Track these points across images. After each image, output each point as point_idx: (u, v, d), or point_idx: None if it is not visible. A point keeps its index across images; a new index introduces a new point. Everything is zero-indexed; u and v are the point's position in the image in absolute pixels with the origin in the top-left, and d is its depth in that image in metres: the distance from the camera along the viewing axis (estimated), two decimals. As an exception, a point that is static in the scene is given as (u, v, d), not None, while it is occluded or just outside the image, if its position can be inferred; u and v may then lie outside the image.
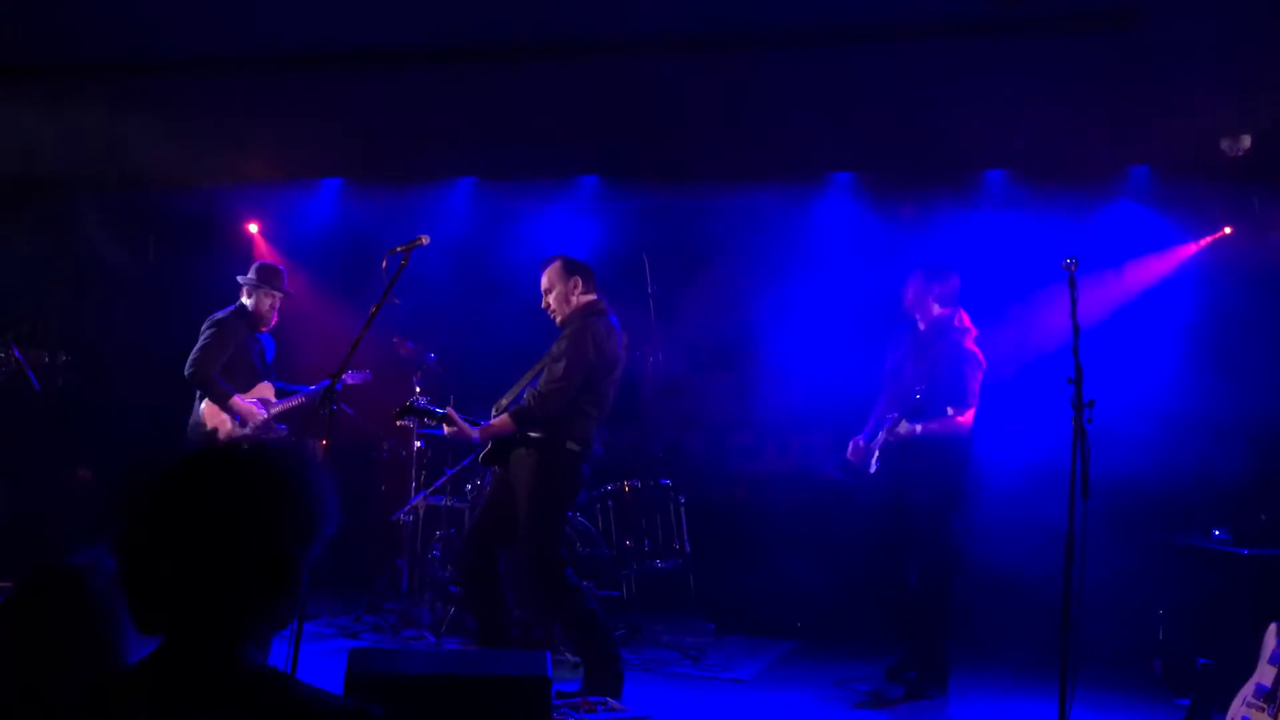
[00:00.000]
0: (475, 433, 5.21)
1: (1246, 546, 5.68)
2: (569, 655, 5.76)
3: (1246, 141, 6.21)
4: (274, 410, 6.36)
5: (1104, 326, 6.82)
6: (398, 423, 5.54)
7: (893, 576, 5.75)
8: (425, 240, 4.90)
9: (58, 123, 7.13)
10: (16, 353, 5.32)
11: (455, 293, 7.64)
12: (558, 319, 5.36)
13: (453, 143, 7.44)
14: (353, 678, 3.53)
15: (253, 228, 8.73)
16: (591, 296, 5.34)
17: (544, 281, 5.38)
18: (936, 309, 5.68)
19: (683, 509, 7.07)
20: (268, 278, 6.51)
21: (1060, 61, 5.46)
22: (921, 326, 5.75)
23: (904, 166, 7.41)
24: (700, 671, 6.15)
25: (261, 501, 1.61)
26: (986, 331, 5.94)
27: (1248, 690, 4.37)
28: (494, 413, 5.29)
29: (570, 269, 5.35)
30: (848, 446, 5.84)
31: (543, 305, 5.39)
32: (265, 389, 6.42)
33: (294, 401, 6.51)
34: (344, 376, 5.93)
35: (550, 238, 7.19)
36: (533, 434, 5.12)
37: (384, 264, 4.83)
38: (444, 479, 6.92)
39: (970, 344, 5.63)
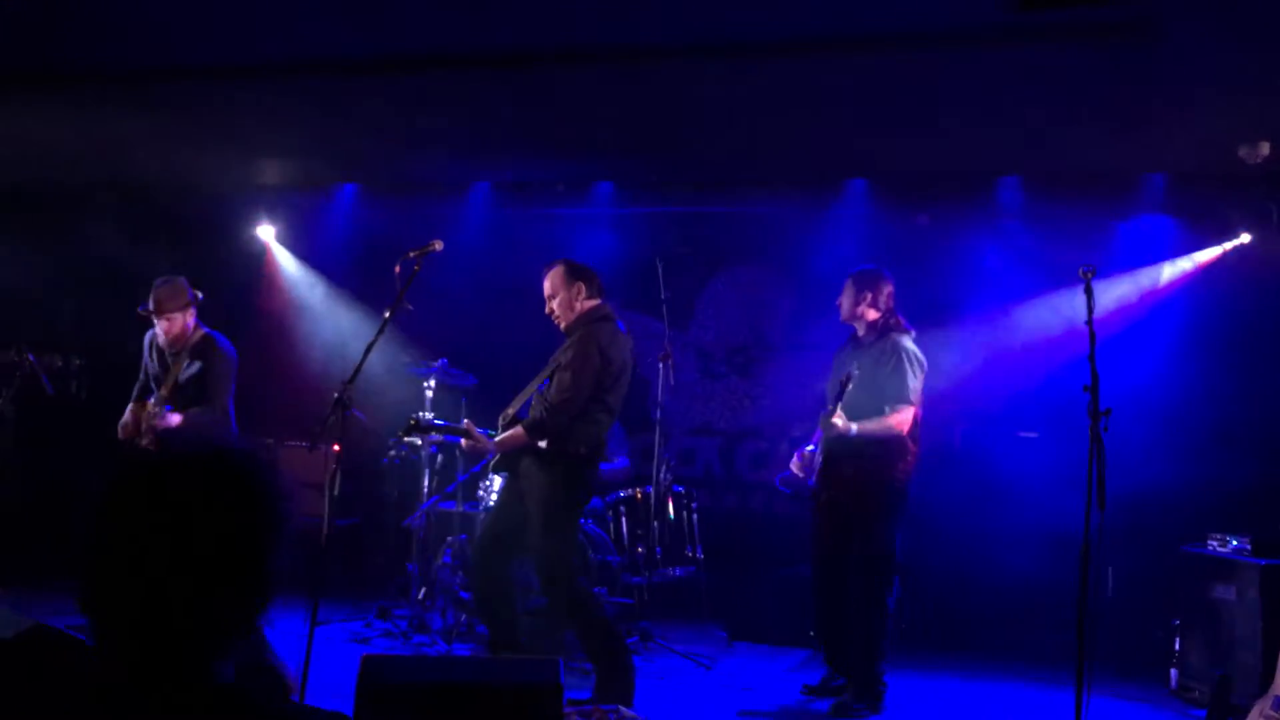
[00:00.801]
0: (491, 445, 5.19)
1: (1264, 556, 5.63)
2: (581, 662, 5.74)
3: (1265, 149, 6.17)
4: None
5: (1121, 334, 6.79)
6: (404, 439, 5.50)
7: (826, 586, 5.63)
8: (438, 246, 4.90)
9: (72, 129, 7.18)
10: (30, 356, 5.33)
11: (468, 298, 7.65)
12: (562, 325, 5.32)
13: (467, 149, 7.46)
14: (365, 684, 3.52)
15: (266, 233, 8.75)
16: (596, 302, 5.29)
17: (547, 287, 5.32)
18: (872, 314, 5.60)
19: (695, 516, 7.06)
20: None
21: (1077, 69, 5.44)
22: (860, 333, 5.69)
23: (919, 173, 7.40)
24: (713, 680, 6.13)
25: (226, 507, 1.58)
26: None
27: (1266, 702, 4.33)
28: (501, 422, 5.26)
29: (573, 274, 5.30)
30: (792, 459, 5.77)
31: (546, 311, 5.36)
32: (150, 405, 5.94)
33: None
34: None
35: (564, 243, 7.19)
36: (540, 444, 5.10)
37: (397, 269, 4.83)
38: (455, 484, 6.93)
39: (909, 344, 5.56)
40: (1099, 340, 4.30)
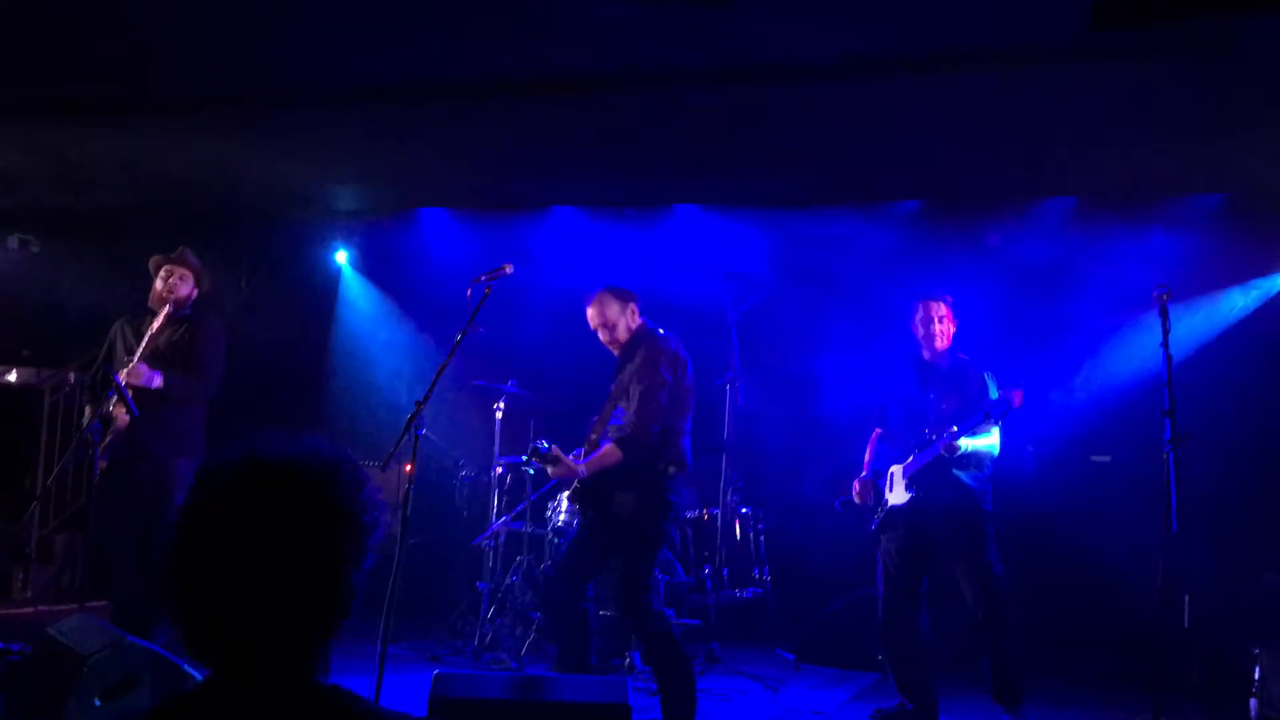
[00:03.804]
0: (580, 467, 5.18)
1: (1349, 586, 5.48)
2: (647, 682, 5.75)
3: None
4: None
5: (1194, 357, 6.67)
6: (526, 467, 5.44)
7: (902, 615, 5.50)
8: (509, 269, 4.96)
9: (153, 154, 7.39)
10: (116, 378, 5.47)
11: (538, 321, 7.73)
12: (618, 347, 5.36)
13: (540, 172, 7.56)
14: (436, 701, 3.58)
15: (341, 258, 8.95)
16: (641, 320, 5.38)
17: (595, 316, 5.33)
18: (946, 337, 5.59)
19: (763, 538, 7.05)
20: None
21: (1151, 89, 5.39)
22: (930, 356, 5.65)
23: (989, 193, 7.36)
24: (780, 703, 6.10)
25: (319, 514, 1.59)
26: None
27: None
28: (586, 449, 5.26)
29: (620, 296, 5.33)
30: (852, 487, 5.74)
31: (604, 340, 5.37)
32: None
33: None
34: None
35: (632, 267, 7.25)
36: (632, 462, 5.09)
37: (469, 293, 4.91)
38: (524, 505, 6.99)
39: (985, 367, 5.55)
40: (1181, 365, 4.23)
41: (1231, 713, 6.00)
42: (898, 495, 5.54)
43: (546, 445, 5.15)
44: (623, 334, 5.31)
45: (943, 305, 5.62)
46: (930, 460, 5.38)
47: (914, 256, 7.38)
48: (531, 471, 6.61)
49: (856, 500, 5.73)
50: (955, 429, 5.27)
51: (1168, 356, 4.26)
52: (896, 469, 5.60)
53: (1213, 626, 6.24)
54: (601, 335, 5.36)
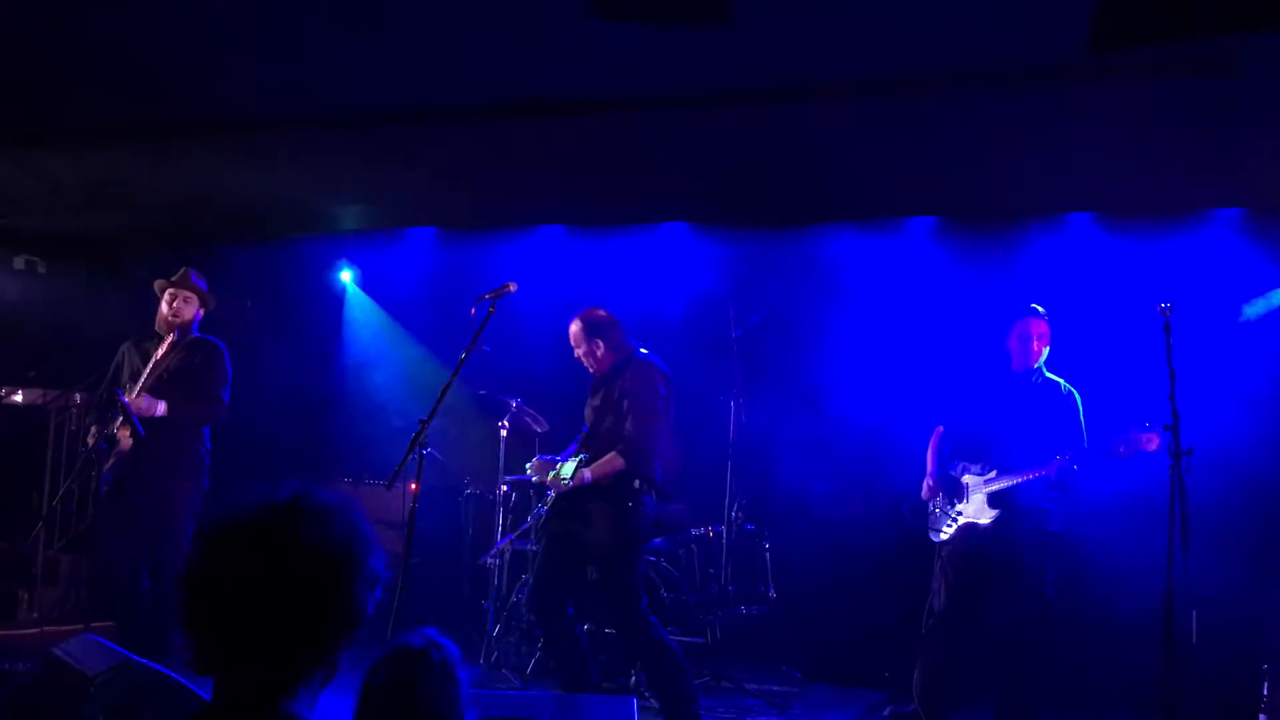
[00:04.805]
0: (587, 473, 5.24)
1: (1357, 600, 5.46)
2: (650, 699, 5.74)
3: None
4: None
5: (1205, 373, 6.63)
6: (548, 486, 5.48)
7: (953, 638, 5.43)
8: (513, 288, 4.99)
9: (154, 177, 7.43)
10: (122, 398, 5.49)
11: (541, 339, 7.73)
12: (602, 368, 5.43)
13: (540, 192, 7.59)
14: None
15: (345, 277, 8.98)
16: (623, 340, 5.46)
17: (576, 335, 5.45)
18: (1038, 355, 5.52)
19: (768, 555, 7.03)
20: None
21: (1152, 105, 5.40)
22: (1017, 368, 5.55)
23: (991, 211, 7.37)
24: (786, 721, 6.08)
25: (337, 550, 1.66)
26: (1073, 376, 5.83)
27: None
28: (579, 463, 5.33)
29: (600, 323, 5.45)
30: (923, 486, 5.68)
31: (588, 364, 5.47)
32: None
33: None
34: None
35: (636, 286, 7.27)
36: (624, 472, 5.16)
37: (472, 311, 4.92)
38: (528, 523, 6.99)
39: (1078, 392, 5.51)
40: (1184, 380, 4.23)
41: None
42: (977, 510, 5.42)
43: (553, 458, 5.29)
44: (602, 353, 5.40)
45: (1042, 323, 5.55)
46: (1017, 482, 5.30)
47: (921, 274, 7.38)
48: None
49: (925, 498, 5.66)
50: (1068, 458, 5.15)
51: (1171, 371, 4.27)
52: (974, 480, 5.47)
53: (1221, 641, 6.21)
54: (586, 361, 5.46)
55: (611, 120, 5.97)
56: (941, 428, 5.79)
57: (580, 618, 5.60)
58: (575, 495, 5.27)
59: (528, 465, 5.66)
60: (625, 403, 5.23)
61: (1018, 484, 5.29)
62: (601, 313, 5.49)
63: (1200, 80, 4.87)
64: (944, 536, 5.54)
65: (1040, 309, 5.60)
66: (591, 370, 5.48)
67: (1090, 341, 6.97)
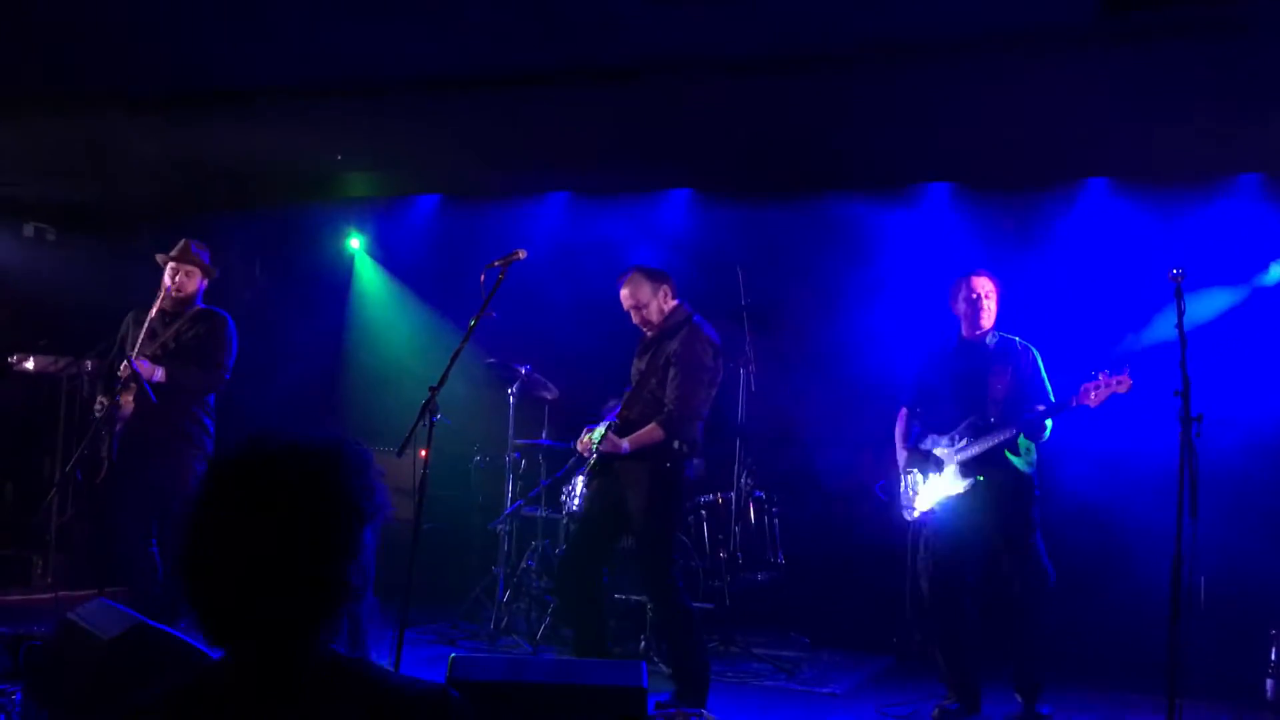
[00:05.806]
0: (624, 443, 5.19)
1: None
2: (660, 665, 5.78)
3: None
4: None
5: (1225, 337, 6.58)
6: (587, 451, 5.41)
7: (952, 603, 5.41)
8: (522, 255, 4.96)
9: (164, 147, 7.41)
10: (134, 365, 5.51)
11: (550, 305, 7.73)
12: (652, 330, 5.36)
13: (548, 159, 7.56)
14: (452, 684, 3.60)
15: (354, 243, 8.97)
16: (676, 301, 5.37)
17: (629, 296, 5.36)
18: (991, 314, 5.41)
19: (777, 522, 7.05)
20: None
21: (1166, 69, 5.34)
22: (968, 334, 5.45)
23: (1005, 176, 7.31)
24: (795, 685, 6.12)
25: (317, 496, 1.64)
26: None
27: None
28: (619, 427, 5.28)
29: (654, 277, 5.36)
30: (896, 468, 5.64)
31: (636, 320, 5.40)
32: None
33: None
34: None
35: (645, 253, 7.24)
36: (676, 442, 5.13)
37: (482, 278, 4.91)
38: (539, 489, 7.01)
39: (1034, 345, 5.44)
40: (1204, 345, 4.20)
41: (1248, 693, 6.00)
42: (949, 481, 5.37)
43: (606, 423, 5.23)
44: (654, 314, 5.33)
45: (989, 281, 5.41)
46: (992, 446, 5.23)
47: (935, 241, 7.33)
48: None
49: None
50: (1041, 408, 5.13)
51: (1182, 337, 4.24)
52: (943, 451, 5.43)
53: (1229, 607, 6.22)
54: (634, 316, 5.39)
55: (622, 87, 5.93)
56: (905, 409, 5.74)
57: (611, 585, 5.58)
58: (615, 458, 5.24)
59: (576, 443, 5.52)
60: (672, 370, 5.18)
61: (989, 448, 5.25)
62: (654, 270, 5.44)
63: (1212, 43, 4.81)
64: (917, 514, 5.52)
65: (983, 269, 5.50)
66: (645, 328, 5.41)
67: (1106, 307, 6.95)
